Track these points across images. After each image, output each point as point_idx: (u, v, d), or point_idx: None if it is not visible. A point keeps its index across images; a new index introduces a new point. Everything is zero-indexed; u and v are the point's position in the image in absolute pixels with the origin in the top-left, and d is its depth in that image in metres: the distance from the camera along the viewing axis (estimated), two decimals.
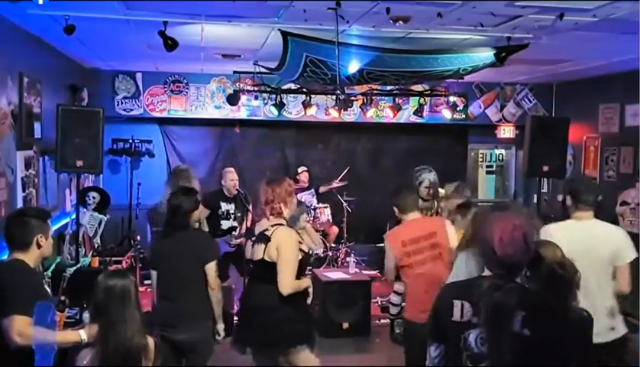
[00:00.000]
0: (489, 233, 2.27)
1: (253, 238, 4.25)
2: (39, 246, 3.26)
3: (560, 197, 9.16)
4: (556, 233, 3.63)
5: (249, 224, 6.84)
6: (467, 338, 2.23)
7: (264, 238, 4.13)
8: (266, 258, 4.10)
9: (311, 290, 4.39)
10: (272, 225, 4.18)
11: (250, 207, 6.88)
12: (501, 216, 2.33)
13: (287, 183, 4.39)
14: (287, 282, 4.06)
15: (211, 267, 4.23)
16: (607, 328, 3.77)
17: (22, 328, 3.00)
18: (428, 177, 6.43)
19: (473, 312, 2.23)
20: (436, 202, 6.47)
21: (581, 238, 3.76)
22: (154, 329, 4.06)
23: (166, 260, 4.27)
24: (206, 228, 6.59)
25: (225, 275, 6.86)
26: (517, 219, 2.29)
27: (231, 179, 6.87)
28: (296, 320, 4.15)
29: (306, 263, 4.51)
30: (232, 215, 6.90)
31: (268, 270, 4.09)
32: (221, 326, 4.35)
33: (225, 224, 6.86)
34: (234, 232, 6.84)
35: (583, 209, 3.92)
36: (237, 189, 6.88)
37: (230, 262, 6.74)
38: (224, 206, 6.89)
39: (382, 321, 6.82)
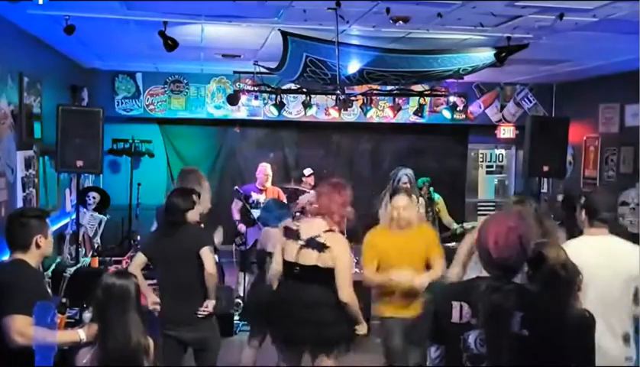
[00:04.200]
0: (485, 236, 2.29)
1: (301, 242, 4.11)
2: (38, 246, 3.26)
3: (560, 197, 9.19)
4: (576, 250, 3.24)
5: None
6: (467, 339, 2.24)
7: (318, 245, 4.04)
8: (320, 264, 4.03)
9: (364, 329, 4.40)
10: (324, 231, 4.08)
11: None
12: (497, 219, 2.35)
13: (347, 193, 4.31)
14: (349, 291, 4.05)
15: (205, 252, 4.23)
16: (622, 356, 3.40)
17: (23, 328, 3.00)
18: (405, 172, 6.53)
19: (472, 313, 2.24)
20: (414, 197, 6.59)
21: (598, 255, 3.44)
22: (160, 328, 4.15)
23: (164, 260, 4.30)
24: (237, 217, 7.43)
25: (249, 266, 7.12)
26: (512, 221, 2.31)
27: (264, 174, 7.51)
28: (342, 324, 4.14)
29: None
30: (261, 205, 7.22)
31: (321, 275, 4.04)
32: (211, 302, 4.31)
33: (255, 213, 7.28)
34: None
35: (598, 225, 3.58)
36: (270, 186, 7.51)
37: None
38: (255, 196, 7.43)
39: None
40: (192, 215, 4.38)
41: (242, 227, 7.41)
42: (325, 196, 4.22)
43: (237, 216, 7.49)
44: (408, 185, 6.52)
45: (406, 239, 4.46)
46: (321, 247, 4.03)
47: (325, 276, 4.04)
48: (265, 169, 7.60)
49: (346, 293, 4.03)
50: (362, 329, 4.29)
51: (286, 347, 4.30)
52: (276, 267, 4.28)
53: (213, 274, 4.27)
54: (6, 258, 3.39)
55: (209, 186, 5.23)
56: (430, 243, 4.57)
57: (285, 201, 7.33)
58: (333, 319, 4.09)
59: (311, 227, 4.17)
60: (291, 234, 4.22)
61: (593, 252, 3.43)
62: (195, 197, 4.43)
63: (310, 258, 4.06)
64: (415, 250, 4.47)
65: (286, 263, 4.22)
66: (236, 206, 7.52)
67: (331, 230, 4.11)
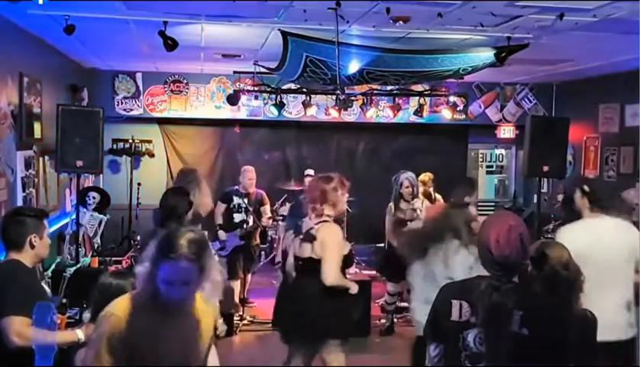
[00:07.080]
0: (485, 234, 2.29)
1: (301, 236, 4.26)
2: (32, 246, 3.22)
3: (560, 197, 9.17)
4: (569, 233, 3.75)
5: (264, 223, 7.30)
6: (466, 338, 2.24)
7: (310, 237, 4.16)
8: (313, 256, 4.15)
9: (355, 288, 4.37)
10: (316, 223, 4.21)
11: (267, 208, 7.37)
12: (497, 217, 2.36)
13: (337, 181, 4.31)
14: (330, 272, 4.06)
15: None
16: (626, 323, 3.73)
17: (21, 328, 2.99)
18: (406, 176, 6.55)
19: (471, 312, 2.24)
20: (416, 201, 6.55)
21: (594, 235, 3.77)
22: None
23: None
24: (220, 221, 7.21)
25: (236, 272, 7.05)
26: (513, 220, 2.31)
27: (249, 178, 7.30)
28: (336, 315, 4.17)
29: (350, 261, 4.48)
30: (243, 209, 7.26)
31: (316, 266, 4.12)
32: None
33: (237, 217, 7.27)
34: (244, 226, 7.20)
35: (598, 211, 3.92)
36: (254, 190, 7.32)
37: (240, 257, 7.06)
38: (236, 200, 7.28)
39: (382, 321, 6.82)
40: (188, 215, 4.39)
41: (222, 234, 7.14)
42: (312, 188, 4.35)
43: (219, 221, 7.22)
44: (411, 189, 6.51)
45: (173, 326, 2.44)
46: (311, 238, 4.15)
47: (318, 267, 4.11)
48: (249, 173, 7.37)
49: (328, 277, 4.06)
50: (353, 288, 4.29)
51: (291, 340, 4.34)
52: (289, 260, 4.41)
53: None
54: (2, 258, 3.37)
55: (207, 187, 5.27)
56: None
57: (268, 203, 7.43)
58: (335, 309, 4.14)
59: (309, 222, 4.31)
60: (298, 230, 4.40)
61: (591, 233, 3.77)
62: (191, 197, 4.43)
63: (306, 250, 4.19)
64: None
65: (294, 258, 4.36)
66: (219, 209, 7.20)
67: (323, 221, 4.21)
